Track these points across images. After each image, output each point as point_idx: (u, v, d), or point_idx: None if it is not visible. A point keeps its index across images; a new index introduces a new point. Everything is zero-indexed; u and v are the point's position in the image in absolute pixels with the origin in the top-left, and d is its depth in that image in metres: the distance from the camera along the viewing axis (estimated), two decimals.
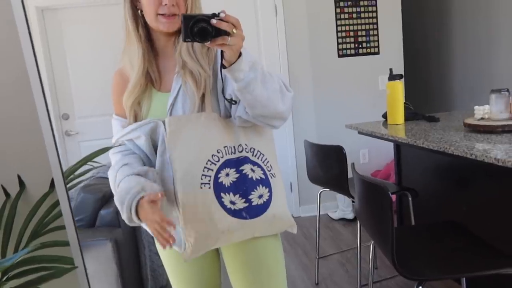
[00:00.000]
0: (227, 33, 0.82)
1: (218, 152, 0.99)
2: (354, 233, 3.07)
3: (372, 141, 2.89)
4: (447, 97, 4.07)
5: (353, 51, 3.56)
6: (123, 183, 1.00)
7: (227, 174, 0.99)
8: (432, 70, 4.25)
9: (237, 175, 1.00)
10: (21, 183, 0.69)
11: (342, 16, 3.50)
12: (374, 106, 3.47)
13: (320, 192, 2.32)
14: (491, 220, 1.75)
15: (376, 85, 3.60)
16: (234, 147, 1.02)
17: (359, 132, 2.29)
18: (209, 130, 0.99)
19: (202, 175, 0.97)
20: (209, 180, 0.97)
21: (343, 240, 2.96)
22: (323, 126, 3.51)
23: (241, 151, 1.02)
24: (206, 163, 0.98)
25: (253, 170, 1.02)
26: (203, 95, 1.02)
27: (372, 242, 1.60)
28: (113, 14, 3.41)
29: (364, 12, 3.53)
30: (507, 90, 1.70)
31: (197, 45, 1.02)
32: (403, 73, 3.61)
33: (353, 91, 3.56)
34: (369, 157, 3.64)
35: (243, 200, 0.99)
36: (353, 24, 3.53)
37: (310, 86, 3.46)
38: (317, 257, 2.38)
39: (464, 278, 1.54)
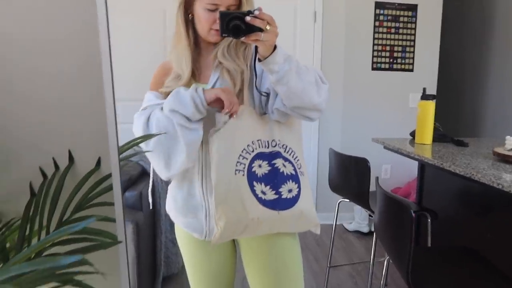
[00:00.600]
0: (260, 29, 0.88)
1: (253, 143, 1.04)
2: (367, 246, 3.06)
3: (395, 158, 2.88)
4: (478, 123, 4.00)
5: (387, 66, 3.55)
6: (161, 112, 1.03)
7: (260, 166, 1.03)
8: (466, 94, 4.18)
9: (269, 168, 1.04)
10: (71, 158, 0.74)
11: (381, 29, 3.49)
12: (402, 123, 3.46)
13: (339, 202, 2.33)
14: (509, 251, 1.73)
15: (406, 102, 3.58)
16: (267, 141, 1.06)
17: (385, 147, 2.29)
18: (247, 122, 1.04)
19: (237, 162, 1.00)
20: (243, 168, 1.01)
21: (355, 253, 2.96)
22: (348, 136, 3.51)
23: (274, 146, 1.06)
24: (242, 152, 1.02)
25: (284, 165, 1.06)
26: (240, 91, 1.06)
27: (387, 258, 1.61)
28: (152, 6, 3.50)
29: (403, 28, 3.51)
30: None
31: (232, 45, 1.08)
32: (435, 93, 3.58)
33: (383, 106, 3.55)
34: (391, 173, 3.62)
35: (274, 192, 1.02)
36: (390, 39, 3.51)
37: (340, 95, 3.47)
38: (328, 265, 2.39)
39: None
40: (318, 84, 1.01)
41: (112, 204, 0.69)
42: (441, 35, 3.55)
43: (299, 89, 0.96)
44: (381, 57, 3.53)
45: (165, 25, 3.41)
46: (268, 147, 1.06)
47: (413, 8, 3.51)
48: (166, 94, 1.09)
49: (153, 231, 2.22)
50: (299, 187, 1.06)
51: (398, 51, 3.54)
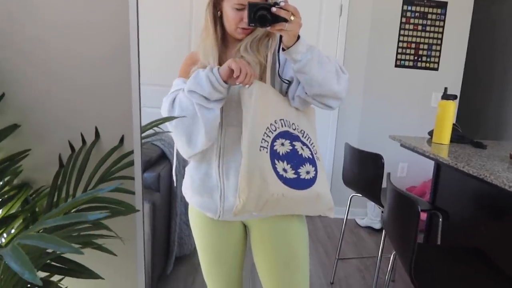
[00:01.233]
0: (285, 20, 0.94)
1: (276, 123, 1.08)
2: (378, 242, 3.08)
3: (412, 156, 2.87)
4: (500, 127, 3.93)
5: (411, 63, 3.51)
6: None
7: (282, 144, 1.07)
8: (491, 97, 4.10)
9: (290, 148, 1.08)
10: (97, 134, 0.80)
11: (407, 26, 3.45)
12: (423, 122, 3.43)
13: (352, 196, 2.36)
14: None
15: (429, 101, 3.54)
16: (290, 122, 1.11)
17: (401, 145, 2.30)
18: (274, 101, 1.09)
19: (262, 139, 1.05)
20: (267, 145, 1.05)
21: (365, 248, 2.99)
22: (366, 132, 3.51)
23: (295, 130, 1.11)
24: (266, 129, 1.06)
25: (302, 149, 1.10)
26: (260, 79, 1.12)
27: (393, 253, 1.64)
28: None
29: (431, 25, 3.46)
30: None
31: (255, 41, 1.13)
32: (459, 94, 3.53)
33: (404, 103, 3.52)
34: (407, 171, 3.61)
35: (293, 171, 1.07)
36: (416, 36, 3.47)
37: (361, 91, 3.46)
38: (336, 257, 2.43)
39: None
40: (338, 74, 1.06)
41: (132, 178, 0.75)
42: (469, 33, 3.49)
43: (320, 77, 1.02)
44: (406, 54, 3.50)
45: (192, 13, 3.46)
46: (288, 127, 1.10)
47: (443, 5, 3.45)
48: None
49: (168, 212, 2.30)
50: (316, 170, 1.11)
51: (423, 49, 3.50)
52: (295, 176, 1.06)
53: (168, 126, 1.11)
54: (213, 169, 1.15)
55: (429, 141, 2.29)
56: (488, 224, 1.97)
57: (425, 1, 3.42)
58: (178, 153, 1.19)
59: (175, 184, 1.92)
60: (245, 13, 1.01)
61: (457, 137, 2.28)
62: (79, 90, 0.79)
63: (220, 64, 1.15)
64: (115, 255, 0.62)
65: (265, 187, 1.02)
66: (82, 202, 0.60)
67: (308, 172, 1.09)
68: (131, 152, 0.74)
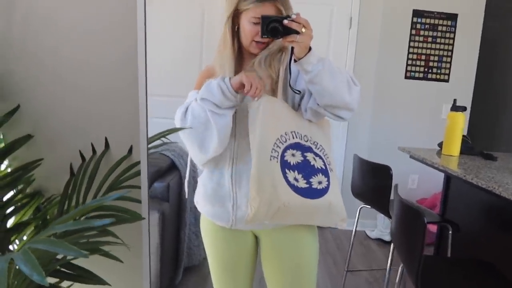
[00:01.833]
0: (297, 32, 0.98)
1: (286, 134, 1.10)
2: (388, 254, 3.05)
3: (423, 168, 2.85)
4: (511, 139, 3.89)
5: (421, 75, 3.51)
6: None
7: (293, 155, 1.09)
8: (504, 109, 4.06)
9: (301, 158, 1.10)
10: (107, 144, 0.83)
11: (417, 38, 3.45)
12: (433, 134, 3.40)
13: (360, 208, 2.35)
14: None
15: (439, 113, 3.53)
16: (301, 134, 1.13)
17: (411, 157, 2.29)
18: (283, 114, 1.12)
19: (272, 149, 1.07)
20: (277, 155, 1.07)
21: (375, 260, 2.96)
22: (376, 144, 3.50)
23: (307, 141, 1.13)
24: (276, 140, 1.08)
25: (315, 160, 1.12)
26: (273, 91, 1.14)
27: (401, 265, 1.63)
28: (191, 5, 3.62)
29: (441, 37, 3.46)
30: None
31: (268, 57, 1.16)
32: (470, 105, 3.51)
33: (414, 115, 3.51)
34: (418, 183, 3.58)
35: (305, 181, 1.08)
36: (426, 48, 3.47)
37: (371, 102, 3.46)
38: (345, 269, 2.42)
39: None
40: (350, 85, 1.08)
41: (139, 187, 0.77)
42: (480, 45, 3.48)
43: (331, 87, 1.04)
44: (416, 66, 3.50)
45: (203, 26, 3.52)
46: (300, 139, 1.12)
47: (453, 17, 3.45)
48: None
49: (177, 222, 2.32)
50: (328, 180, 1.12)
51: (434, 61, 3.50)
52: (307, 185, 1.07)
53: (180, 135, 1.14)
54: (225, 178, 1.17)
55: (439, 153, 2.28)
56: (498, 237, 1.95)
57: (435, 13, 3.43)
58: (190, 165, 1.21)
59: (186, 196, 1.95)
60: (260, 17, 1.04)
61: (467, 149, 2.26)
62: (90, 100, 0.83)
63: (239, 71, 1.17)
64: (121, 261, 0.64)
65: (276, 195, 1.03)
66: (90, 210, 0.63)
67: (320, 182, 1.09)
68: (139, 162, 0.76)
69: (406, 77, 3.50)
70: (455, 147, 2.19)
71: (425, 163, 2.10)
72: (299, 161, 1.09)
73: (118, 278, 0.78)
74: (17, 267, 0.52)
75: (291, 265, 1.18)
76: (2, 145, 0.91)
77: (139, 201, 0.77)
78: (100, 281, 0.74)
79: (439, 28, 3.45)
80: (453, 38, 3.45)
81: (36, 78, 0.81)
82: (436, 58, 3.49)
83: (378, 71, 3.44)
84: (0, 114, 0.82)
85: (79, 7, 0.79)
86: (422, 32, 3.45)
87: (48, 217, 0.82)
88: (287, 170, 1.06)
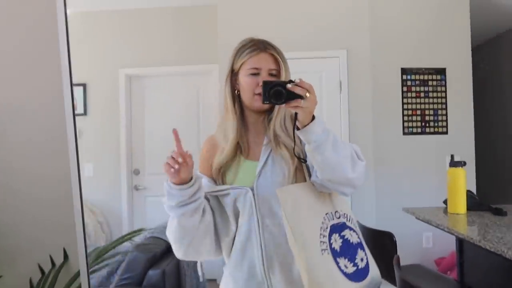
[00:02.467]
0: (301, 97, 0.92)
1: (325, 219, 1.04)
2: None
3: None
4: None
5: (419, 130, 3.48)
6: None
7: (335, 240, 1.04)
8: (510, 156, 3.97)
9: (341, 240, 1.04)
10: (65, 256, 0.79)
11: (409, 94, 3.48)
12: (441, 188, 3.29)
13: None
14: None
15: (444, 166, 3.43)
16: (332, 213, 1.07)
17: (417, 218, 2.19)
18: (313, 199, 1.05)
19: (320, 241, 1.00)
20: (327, 246, 1.01)
21: None
22: (383, 205, 3.37)
23: (339, 217, 1.07)
24: (320, 230, 1.02)
25: (351, 235, 1.07)
26: (292, 159, 1.08)
27: None
28: (186, 83, 3.76)
29: (433, 91, 3.49)
30: None
31: (288, 121, 1.11)
32: (474, 155, 3.43)
33: (418, 171, 3.42)
34: (433, 241, 3.39)
35: (351, 264, 1.03)
36: (420, 103, 3.48)
37: (371, 164, 3.40)
38: None
39: None
40: (354, 160, 1.02)
41: None
42: (473, 94, 3.48)
43: (333, 161, 0.97)
44: (412, 121, 3.49)
45: (199, 104, 3.62)
46: (334, 219, 1.06)
47: (442, 71, 3.50)
48: (216, 172, 1.13)
49: None
50: (365, 254, 1.08)
51: (429, 115, 3.49)
52: (355, 268, 1.03)
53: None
54: (257, 267, 1.08)
55: (446, 211, 2.18)
56: None
57: (424, 69, 3.48)
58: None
59: (200, 279, 1.85)
60: (261, 78, 1.04)
61: (474, 205, 2.16)
62: (43, 211, 0.80)
63: (243, 147, 1.13)
64: None
65: None
66: None
67: (362, 260, 1.06)
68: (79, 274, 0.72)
69: (404, 133, 3.47)
70: (460, 205, 2.09)
71: (432, 225, 1.99)
72: (341, 243, 1.04)
73: None
74: None
75: None
76: None
77: None
78: None
79: (430, 83, 3.49)
80: (445, 91, 3.48)
81: None
82: (431, 112, 3.49)
83: (375, 131, 3.41)
84: None
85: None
86: (413, 88, 3.49)
87: None
88: (338, 259, 1.01)
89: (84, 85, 3.69)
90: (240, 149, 1.14)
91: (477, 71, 3.58)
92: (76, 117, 3.66)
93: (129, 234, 0.70)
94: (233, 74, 1.14)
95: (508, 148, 4.01)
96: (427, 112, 3.48)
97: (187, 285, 2.21)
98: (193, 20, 3.71)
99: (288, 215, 1.01)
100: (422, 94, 3.49)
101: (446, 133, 3.47)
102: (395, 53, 3.47)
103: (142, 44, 3.72)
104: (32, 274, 0.82)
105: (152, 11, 3.72)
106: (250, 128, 1.16)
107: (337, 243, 1.02)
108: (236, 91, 1.14)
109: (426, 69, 3.49)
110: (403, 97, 3.48)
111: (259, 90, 1.06)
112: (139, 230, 0.99)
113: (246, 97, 1.12)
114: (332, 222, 1.05)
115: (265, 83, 0.96)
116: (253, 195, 1.06)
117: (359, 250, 1.06)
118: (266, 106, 1.08)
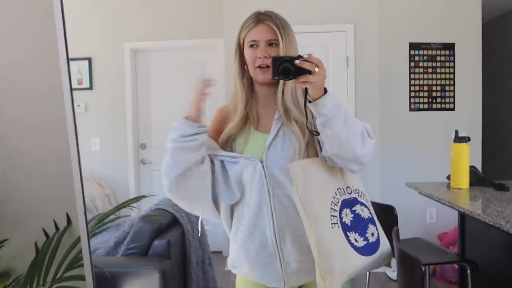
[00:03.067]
0: (309, 72, 0.91)
1: (336, 194, 1.06)
2: None
3: None
4: None
5: (426, 106, 3.45)
6: None
7: (346, 214, 1.06)
8: None
9: (352, 215, 1.07)
10: (69, 220, 0.82)
11: (417, 70, 3.44)
12: (446, 165, 3.28)
13: None
14: None
15: (450, 143, 3.41)
16: (344, 188, 1.09)
17: (419, 193, 2.20)
18: (324, 174, 1.07)
19: (331, 215, 1.03)
20: (337, 220, 1.03)
21: None
22: (387, 181, 3.38)
23: (350, 193, 1.09)
24: (331, 204, 1.04)
25: (362, 210, 1.09)
26: (308, 143, 1.09)
27: None
28: (192, 58, 3.73)
29: (441, 67, 3.43)
30: None
31: (299, 95, 1.11)
32: (480, 132, 3.40)
33: (424, 147, 3.41)
34: (437, 216, 3.41)
35: (362, 238, 1.06)
36: (427, 79, 3.44)
37: (377, 139, 3.39)
38: None
39: None
40: (364, 137, 1.02)
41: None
42: (484, 70, 3.42)
43: (343, 136, 0.97)
44: (419, 97, 3.45)
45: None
46: (345, 194, 1.08)
47: (450, 47, 3.43)
48: (225, 140, 1.15)
49: (183, 279, 2.25)
50: (377, 229, 1.10)
51: (437, 91, 3.45)
52: (365, 242, 1.05)
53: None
54: (268, 238, 1.10)
55: (449, 186, 2.18)
56: None
57: (431, 44, 3.42)
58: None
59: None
60: (259, 51, 1.05)
61: (477, 180, 2.16)
62: (47, 180, 0.83)
63: (253, 118, 1.14)
64: None
65: (347, 263, 1.02)
66: None
67: (372, 234, 1.08)
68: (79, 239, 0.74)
69: (411, 109, 3.45)
70: (463, 180, 2.10)
71: (433, 199, 2.00)
72: (351, 218, 1.06)
73: None
74: None
75: None
76: None
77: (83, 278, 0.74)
78: None
79: (438, 58, 3.43)
80: (453, 67, 3.42)
81: None
82: (439, 88, 3.45)
83: (382, 106, 3.39)
84: None
85: None
86: (421, 64, 3.44)
87: None
88: (348, 233, 1.04)
89: (89, 59, 3.69)
90: (250, 120, 1.15)
91: (486, 46, 3.50)
92: (82, 91, 3.68)
93: (130, 200, 0.73)
94: (241, 48, 1.15)
95: None
96: (434, 88, 3.44)
97: (192, 255, 2.26)
98: None
99: (299, 189, 1.02)
100: (429, 70, 3.44)
101: (453, 109, 3.44)
102: (404, 27, 3.41)
103: (147, 18, 3.69)
104: (37, 238, 0.85)
105: None
106: (260, 100, 1.17)
107: (347, 218, 1.04)
108: (245, 65, 1.15)
109: (434, 44, 3.42)
110: (410, 73, 3.44)
111: (259, 62, 1.08)
112: (138, 198, 1.01)
113: (251, 71, 1.12)
114: (343, 197, 1.06)
115: (274, 59, 0.95)
116: (263, 167, 1.07)
117: (370, 225, 1.08)
118: (269, 79, 1.07)
